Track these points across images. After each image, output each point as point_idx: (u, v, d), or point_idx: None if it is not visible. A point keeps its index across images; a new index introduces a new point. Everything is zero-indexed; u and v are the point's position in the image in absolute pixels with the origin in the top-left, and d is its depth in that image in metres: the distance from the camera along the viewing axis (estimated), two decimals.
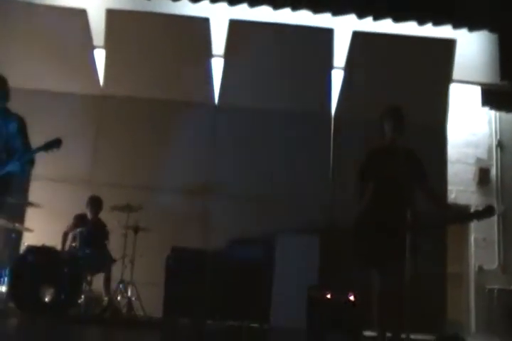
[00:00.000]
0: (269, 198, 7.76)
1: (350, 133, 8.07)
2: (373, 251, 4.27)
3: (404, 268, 4.22)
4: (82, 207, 7.07)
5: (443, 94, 8.33)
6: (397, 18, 8.71)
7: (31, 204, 6.69)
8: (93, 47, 8.14)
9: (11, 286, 6.07)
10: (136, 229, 6.82)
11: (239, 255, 7.01)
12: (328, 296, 6.20)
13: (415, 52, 8.20)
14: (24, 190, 7.17)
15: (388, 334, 4.28)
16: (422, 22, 8.76)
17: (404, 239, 4.23)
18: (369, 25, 8.67)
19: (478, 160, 9.11)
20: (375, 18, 8.72)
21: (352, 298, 6.13)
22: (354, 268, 4.61)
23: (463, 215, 4.82)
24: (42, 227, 6.81)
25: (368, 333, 5.77)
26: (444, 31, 8.74)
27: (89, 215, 7.04)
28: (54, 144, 4.42)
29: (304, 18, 8.58)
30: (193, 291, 6.64)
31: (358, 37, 8.21)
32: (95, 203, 7.05)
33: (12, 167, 4.41)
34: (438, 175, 7.71)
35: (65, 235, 6.82)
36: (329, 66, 8.37)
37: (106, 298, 6.50)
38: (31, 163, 4.57)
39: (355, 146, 7.48)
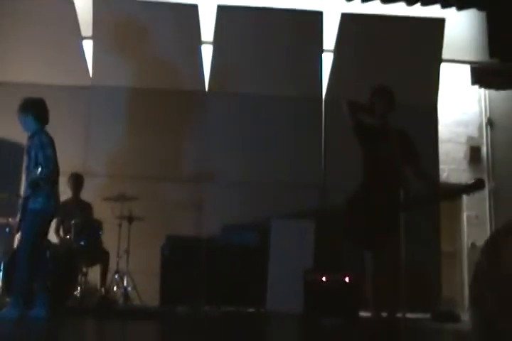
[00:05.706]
0: (261, 184, 7.75)
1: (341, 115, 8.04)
2: (366, 231, 4.29)
3: (397, 248, 4.25)
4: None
5: (433, 74, 8.30)
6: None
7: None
8: (82, 38, 8.05)
9: (5, 280, 6.00)
10: (130, 219, 6.79)
11: (233, 241, 7.04)
12: (324, 279, 6.25)
13: (404, 32, 8.15)
14: (15, 184, 7.12)
15: (384, 314, 4.32)
16: (410, 2, 8.76)
17: (398, 219, 4.27)
18: (358, 7, 8.67)
19: (469, 138, 9.13)
20: (364, 0, 8.73)
21: (347, 279, 6.18)
22: (348, 250, 4.61)
23: (454, 190, 4.83)
24: None
25: (364, 314, 5.81)
26: (433, 11, 8.72)
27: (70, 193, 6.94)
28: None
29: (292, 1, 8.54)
30: (190, 278, 6.67)
31: (346, 18, 8.16)
32: (76, 180, 6.99)
33: None
34: (430, 154, 7.66)
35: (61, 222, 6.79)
36: (319, 49, 8.32)
37: (102, 289, 6.50)
38: None
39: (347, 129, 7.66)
